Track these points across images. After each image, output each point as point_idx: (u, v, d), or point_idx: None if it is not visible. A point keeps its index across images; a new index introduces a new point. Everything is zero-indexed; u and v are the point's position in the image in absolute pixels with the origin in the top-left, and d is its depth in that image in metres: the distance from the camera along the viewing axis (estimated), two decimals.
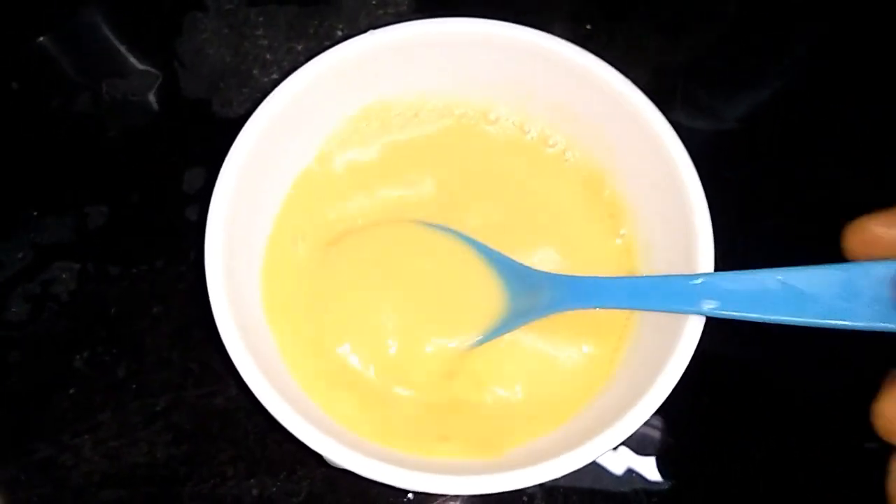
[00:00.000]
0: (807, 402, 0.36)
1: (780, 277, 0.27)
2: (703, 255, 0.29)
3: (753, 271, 0.28)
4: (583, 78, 0.32)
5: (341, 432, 0.29)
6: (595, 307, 0.30)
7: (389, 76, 0.34)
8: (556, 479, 0.32)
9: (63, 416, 0.34)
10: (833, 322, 0.27)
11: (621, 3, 0.44)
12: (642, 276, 0.30)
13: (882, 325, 0.26)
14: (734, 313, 0.27)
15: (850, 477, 0.35)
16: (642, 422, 0.27)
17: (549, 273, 0.31)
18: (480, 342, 0.31)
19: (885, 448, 0.35)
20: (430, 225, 0.32)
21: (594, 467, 0.34)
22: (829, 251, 0.38)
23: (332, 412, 0.30)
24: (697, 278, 0.28)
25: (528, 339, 0.32)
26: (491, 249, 0.32)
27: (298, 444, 0.33)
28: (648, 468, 0.34)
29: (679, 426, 0.35)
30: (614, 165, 0.33)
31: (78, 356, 0.35)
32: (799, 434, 0.35)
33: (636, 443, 0.34)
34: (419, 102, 0.35)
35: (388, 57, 0.33)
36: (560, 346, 0.32)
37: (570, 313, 0.31)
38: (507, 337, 0.31)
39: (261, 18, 0.43)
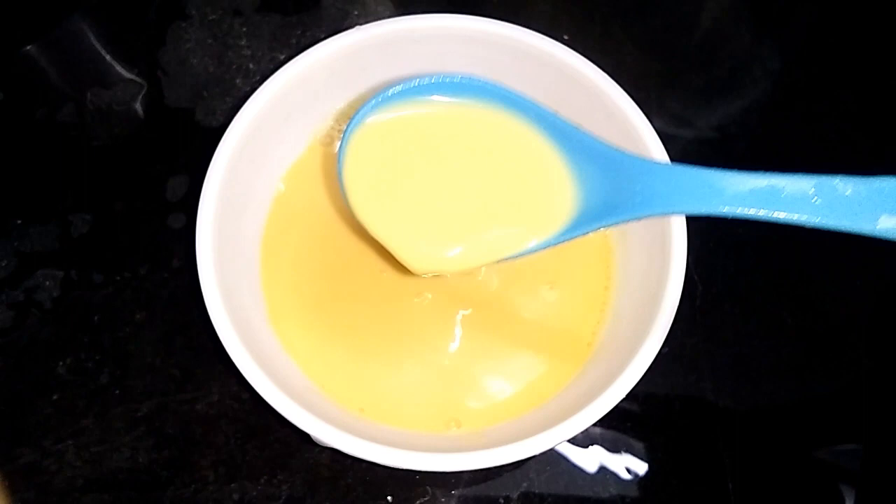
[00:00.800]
0: (779, 403, 0.37)
1: None
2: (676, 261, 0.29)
3: None
4: (561, 72, 0.32)
5: (330, 410, 0.30)
6: (716, 213, 0.22)
7: (376, 71, 0.35)
8: (531, 483, 0.34)
9: (46, 422, 0.34)
10: None
11: (596, 14, 0.45)
12: (792, 174, 0.22)
13: None
14: None
15: (821, 478, 0.36)
16: (614, 404, 0.27)
17: (648, 159, 0.25)
18: (534, 250, 0.26)
19: (861, 450, 0.36)
20: (463, 79, 0.27)
21: (569, 469, 0.34)
22: (809, 258, 0.39)
23: (325, 388, 0.31)
24: (880, 181, 0.21)
25: (513, 321, 0.33)
26: (557, 118, 0.26)
27: (279, 450, 0.34)
28: (622, 469, 0.35)
29: (652, 426, 0.36)
30: None
31: (61, 362, 0.35)
32: (770, 435, 0.36)
33: (609, 443, 0.35)
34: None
35: (374, 52, 0.34)
36: (539, 324, 0.32)
37: (549, 304, 0.32)
38: (492, 319, 0.32)
39: (244, 28, 0.43)
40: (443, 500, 0.34)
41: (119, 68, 0.42)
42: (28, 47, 0.42)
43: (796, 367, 0.37)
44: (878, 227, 0.20)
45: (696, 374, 0.36)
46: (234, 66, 0.42)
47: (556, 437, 0.27)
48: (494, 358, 0.32)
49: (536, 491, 0.34)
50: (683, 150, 0.42)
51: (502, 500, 0.34)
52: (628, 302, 0.31)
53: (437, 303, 0.33)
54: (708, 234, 0.38)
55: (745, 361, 0.37)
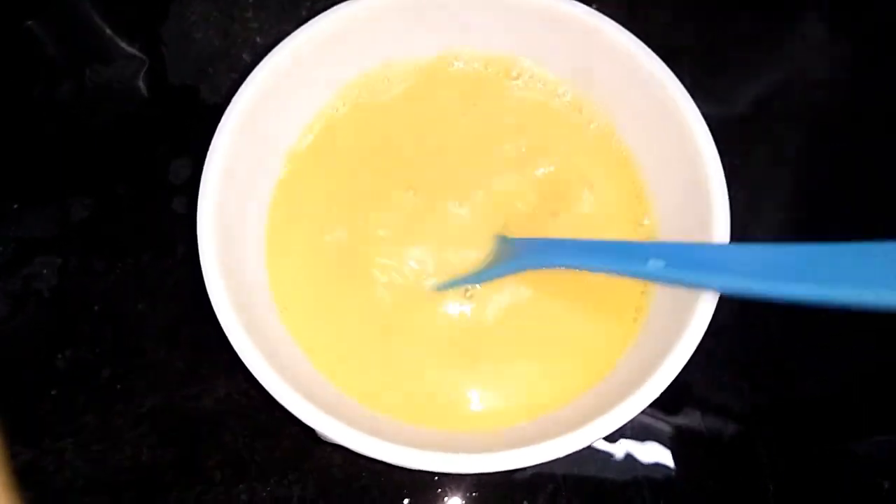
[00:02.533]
0: (817, 398, 0.35)
1: (737, 249, 0.26)
2: (719, 227, 0.28)
3: (711, 244, 0.27)
4: (597, 40, 0.31)
5: (338, 404, 0.29)
6: (552, 266, 0.30)
7: (393, 40, 0.33)
8: (558, 486, 0.32)
9: (44, 419, 0.33)
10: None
11: None
12: (595, 240, 0.31)
13: None
14: (680, 274, 0.26)
15: (859, 472, 0.34)
16: (641, 409, 0.26)
17: (518, 238, 0.31)
18: (455, 284, 0.31)
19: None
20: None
21: (598, 470, 0.33)
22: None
23: (336, 381, 0.30)
24: (646, 243, 0.29)
25: (543, 315, 0.31)
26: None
27: (289, 449, 0.32)
28: (656, 470, 0.33)
29: (687, 425, 0.34)
30: (629, 131, 0.33)
31: (60, 355, 0.34)
32: (808, 430, 0.34)
33: (642, 442, 0.33)
34: (426, 66, 0.34)
35: (392, 18, 0.32)
36: (573, 325, 0.31)
37: (584, 293, 0.31)
38: (516, 316, 0.31)
39: (250, 0, 0.41)
40: (463, 502, 0.32)
41: (119, 44, 0.40)
42: (30, 22, 0.40)
43: (835, 362, 0.36)
44: (649, 268, 0.26)
45: (733, 371, 0.34)
46: (241, 40, 0.40)
47: (581, 439, 0.25)
48: (516, 355, 0.30)
49: (563, 493, 0.32)
50: (718, 128, 0.39)
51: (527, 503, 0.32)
52: (664, 302, 0.29)
53: (457, 292, 0.31)
54: (743, 221, 0.36)
55: (783, 357, 0.35)
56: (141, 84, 0.39)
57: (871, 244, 0.23)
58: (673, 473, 0.33)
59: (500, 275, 0.31)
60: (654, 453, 0.33)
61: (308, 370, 0.30)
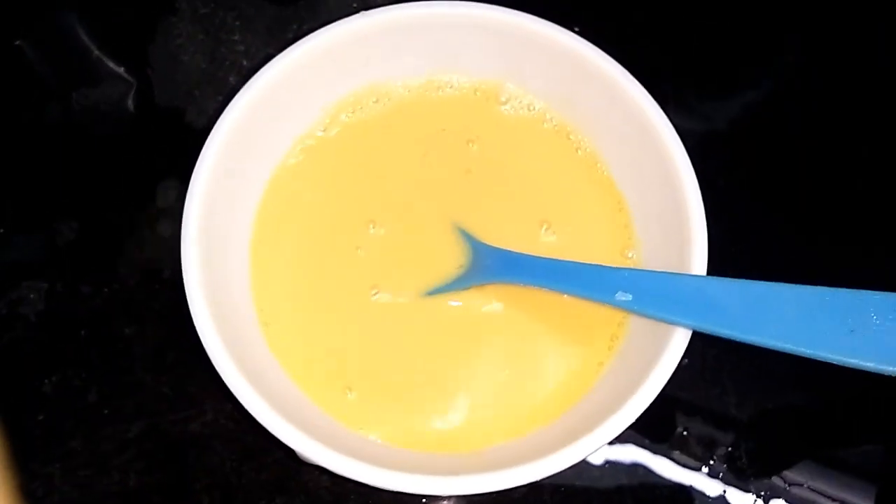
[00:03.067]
0: (796, 402, 0.35)
1: (707, 285, 0.27)
2: (697, 258, 0.28)
3: (681, 274, 0.28)
4: (578, 65, 0.32)
5: (321, 425, 0.29)
6: (518, 282, 0.30)
7: (379, 62, 0.33)
8: (544, 485, 0.32)
9: (32, 444, 0.33)
10: (791, 347, 0.25)
11: (610, 6, 0.43)
12: (565, 260, 0.31)
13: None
14: (646, 310, 0.27)
15: (841, 473, 0.34)
16: (623, 428, 0.26)
17: (488, 245, 0.32)
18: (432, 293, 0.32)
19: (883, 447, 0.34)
20: None
21: (584, 489, 0.33)
22: (829, 262, 0.37)
23: (320, 403, 0.30)
24: (619, 271, 0.29)
25: (517, 336, 0.31)
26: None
27: (277, 472, 0.32)
28: (643, 490, 0.33)
29: (673, 443, 0.34)
30: (615, 158, 0.33)
31: (47, 380, 0.34)
32: (787, 433, 0.35)
33: (627, 462, 0.33)
34: (413, 89, 0.35)
35: (378, 40, 0.33)
36: (549, 348, 0.31)
37: (562, 317, 0.31)
38: (496, 333, 0.31)
39: (237, 23, 0.41)
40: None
41: (105, 67, 0.40)
42: (19, 42, 0.40)
43: (823, 370, 0.35)
44: (616, 299, 0.27)
45: (720, 387, 0.35)
46: (227, 63, 0.40)
47: (567, 459, 0.25)
48: (498, 375, 0.31)
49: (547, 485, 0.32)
50: (700, 146, 0.39)
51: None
52: (641, 329, 0.30)
53: (437, 315, 0.31)
54: (726, 240, 0.36)
55: (770, 368, 0.35)
56: (127, 107, 0.39)
57: (862, 294, 0.24)
58: (659, 486, 0.33)
59: (470, 283, 0.31)
60: (640, 467, 0.33)
61: (292, 391, 0.30)
